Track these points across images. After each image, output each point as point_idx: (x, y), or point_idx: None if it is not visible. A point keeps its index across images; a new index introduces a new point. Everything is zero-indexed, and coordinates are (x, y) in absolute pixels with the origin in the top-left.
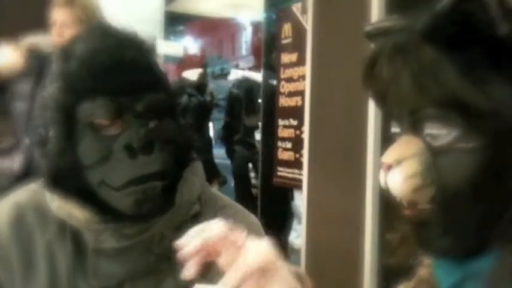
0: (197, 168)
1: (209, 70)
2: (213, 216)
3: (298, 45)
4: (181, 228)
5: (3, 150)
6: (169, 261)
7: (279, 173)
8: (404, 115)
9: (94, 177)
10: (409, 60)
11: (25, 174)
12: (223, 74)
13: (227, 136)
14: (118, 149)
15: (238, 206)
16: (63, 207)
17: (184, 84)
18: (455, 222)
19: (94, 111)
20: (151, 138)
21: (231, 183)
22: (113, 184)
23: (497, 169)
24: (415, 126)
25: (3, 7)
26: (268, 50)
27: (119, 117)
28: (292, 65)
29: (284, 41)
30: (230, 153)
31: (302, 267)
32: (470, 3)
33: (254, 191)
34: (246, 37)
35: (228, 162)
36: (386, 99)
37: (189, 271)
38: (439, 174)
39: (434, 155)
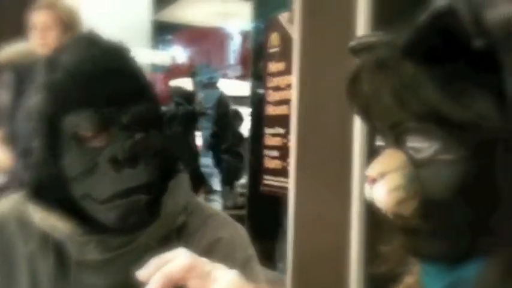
0: (182, 179)
1: (197, 79)
2: (200, 225)
3: (285, 54)
4: (167, 239)
5: None
6: None
7: (265, 182)
8: (387, 129)
9: (78, 189)
10: (390, 75)
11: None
12: (212, 83)
13: (215, 145)
14: (103, 161)
15: (225, 215)
16: (46, 219)
17: (176, 93)
18: (440, 231)
19: (79, 123)
20: (136, 150)
21: None
22: (98, 197)
23: (479, 179)
24: (397, 140)
25: (3, 7)
26: (256, 59)
27: (104, 129)
28: (279, 73)
29: (271, 50)
30: (218, 162)
31: (288, 276)
32: (447, 18)
33: (241, 199)
34: (235, 46)
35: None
36: (369, 114)
37: None
38: (422, 187)
39: (416, 167)
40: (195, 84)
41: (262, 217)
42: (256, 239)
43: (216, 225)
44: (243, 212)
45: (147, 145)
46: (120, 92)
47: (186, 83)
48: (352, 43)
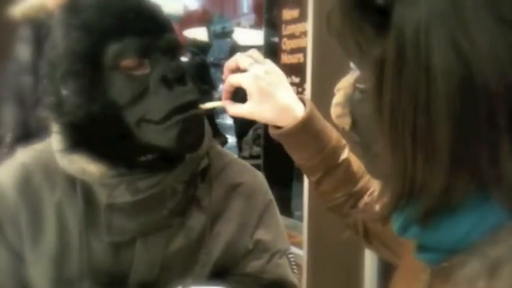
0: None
1: (211, 29)
2: (221, 170)
3: (299, 0)
4: (192, 181)
5: None
6: (180, 216)
7: None
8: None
9: (132, 116)
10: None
11: None
12: (225, 33)
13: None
14: (153, 83)
15: (244, 162)
16: (75, 162)
17: (190, 43)
18: (372, 153)
19: (123, 50)
20: (182, 70)
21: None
22: (155, 118)
23: (383, 113)
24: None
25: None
26: (269, 7)
27: (147, 55)
28: (294, 21)
29: None
30: None
31: (305, 223)
32: None
33: (256, 149)
34: None
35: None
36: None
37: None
38: (352, 107)
39: (353, 89)
40: (209, 34)
41: (278, 167)
42: (272, 188)
43: (237, 170)
44: (259, 161)
45: (185, 68)
46: (153, 21)
47: (200, 33)
48: None
